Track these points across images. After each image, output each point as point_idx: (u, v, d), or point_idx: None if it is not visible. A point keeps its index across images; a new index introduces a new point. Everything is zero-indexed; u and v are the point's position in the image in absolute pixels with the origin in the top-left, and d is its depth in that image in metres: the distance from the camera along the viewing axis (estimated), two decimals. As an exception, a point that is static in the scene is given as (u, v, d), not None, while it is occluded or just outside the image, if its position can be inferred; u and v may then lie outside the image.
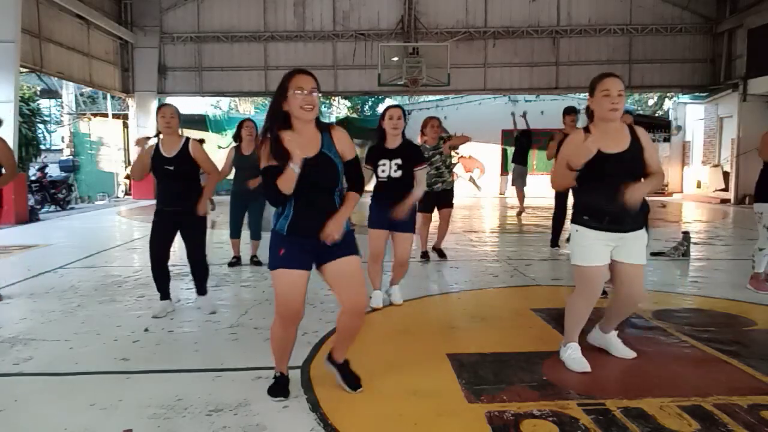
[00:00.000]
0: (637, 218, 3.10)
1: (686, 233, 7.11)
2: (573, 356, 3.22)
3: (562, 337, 3.78)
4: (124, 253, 7.53)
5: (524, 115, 12.93)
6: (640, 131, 3.13)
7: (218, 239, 8.44)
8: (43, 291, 5.18)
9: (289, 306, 2.73)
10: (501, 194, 19.33)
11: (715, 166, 17.07)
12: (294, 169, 2.55)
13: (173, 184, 4.26)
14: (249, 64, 17.38)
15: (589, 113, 3.14)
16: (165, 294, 4.53)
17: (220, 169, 6.46)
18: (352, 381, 2.94)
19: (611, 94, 2.97)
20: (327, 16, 17.08)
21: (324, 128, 2.74)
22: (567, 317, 3.31)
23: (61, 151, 17.98)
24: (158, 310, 4.44)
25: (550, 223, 7.56)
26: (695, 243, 7.49)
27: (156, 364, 3.38)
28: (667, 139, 19.06)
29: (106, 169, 17.98)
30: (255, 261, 6.50)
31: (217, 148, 19.24)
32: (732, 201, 15.56)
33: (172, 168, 4.19)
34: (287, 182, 2.58)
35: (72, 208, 14.31)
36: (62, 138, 18.56)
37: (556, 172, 3.26)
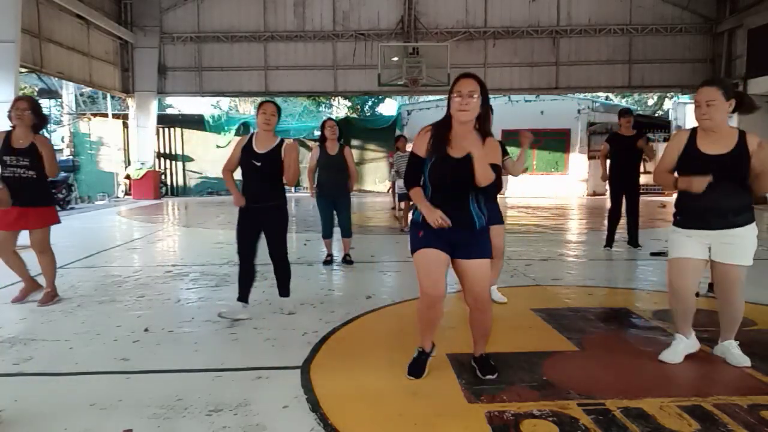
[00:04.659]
0: (726, 217, 3.09)
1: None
2: (671, 347, 3.33)
3: (562, 337, 3.80)
4: (124, 253, 7.52)
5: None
6: (750, 138, 3.10)
7: (215, 240, 8.45)
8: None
9: (430, 281, 2.90)
10: (501, 194, 19.35)
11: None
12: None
13: (259, 180, 4.20)
14: (249, 64, 17.39)
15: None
16: (244, 296, 4.28)
17: (306, 167, 6.46)
18: (486, 370, 3.07)
19: (701, 104, 3.04)
20: (327, 16, 17.08)
21: (483, 134, 2.90)
22: (671, 311, 3.46)
23: (61, 151, 17.97)
24: (229, 310, 4.23)
25: (549, 223, 7.56)
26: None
27: (156, 364, 3.38)
28: (667, 139, 19.07)
29: (106, 169, 17.99)
30: (348, 260, 6.42)
31: (216, 148, 19.28)
32: (732, 201, 15.56)
33: (260, 164, 4.16)
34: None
35: (72, 208, 14.30)
36: (62, 138, 18.56)
37: (656, 172, 3.34)
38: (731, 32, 16.04)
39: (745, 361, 3.22)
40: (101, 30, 15.62)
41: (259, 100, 28.49)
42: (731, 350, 3.29)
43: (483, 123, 2.89)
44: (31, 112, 4.48)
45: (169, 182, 19.71)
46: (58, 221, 4.79)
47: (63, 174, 14.94)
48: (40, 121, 4.60)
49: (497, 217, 4.58)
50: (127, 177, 17.69)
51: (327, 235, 6.38)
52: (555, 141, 19.83)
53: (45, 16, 13.09)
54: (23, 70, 12.36)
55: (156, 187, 17.48)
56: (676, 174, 3.25)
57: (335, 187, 6.18)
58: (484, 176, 2.78)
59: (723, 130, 3.11)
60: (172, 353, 3.55)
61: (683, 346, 3.33)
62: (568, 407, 2.71)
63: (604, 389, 2.93)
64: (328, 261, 6.40)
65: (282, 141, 4.28)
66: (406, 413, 2.68)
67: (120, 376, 3.17)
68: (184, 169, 19.95)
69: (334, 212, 6.34)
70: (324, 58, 17.31)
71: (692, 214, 3.19)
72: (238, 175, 4.25)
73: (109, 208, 14.90)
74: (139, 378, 3.14)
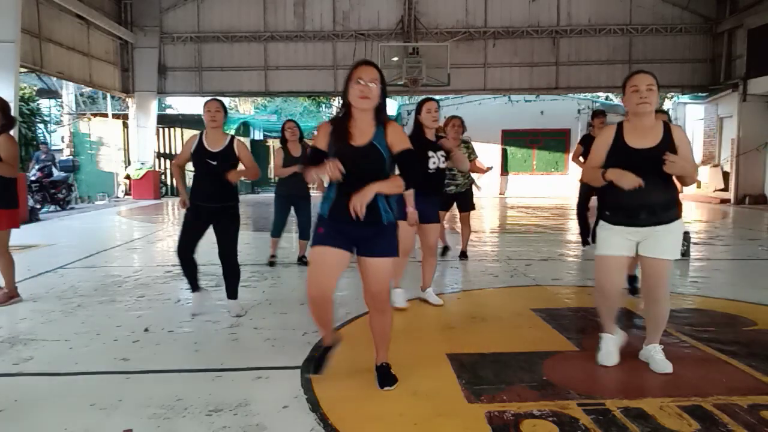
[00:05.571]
0: (655, 213, 3.06)
1: (686, 233, 7.09)
2: (602, 349, 3.28)
3: (562, 337, 3.80)
4: (124, 253, 7.52)
5: None
6: (676, 130, 3.09)
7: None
8: (43, 291, 5.17)
9: (316, 281, 2.82)
10: (501, 194, 19.37)
11: (715, 166, 17.08)
12: (323, 179, 2.79)
13: (212, 179, 4.16)
14: (249, 64, 17.39)
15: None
16: (195, 286, 4.40)
17: (273, 168, 6.50)
18: (383, 380, 2.97)
19: (640, 89, 3.01)
20: (327, 16, 17.08)
21: (381, 121, 2.83)
22: (597, 309, 3.42)
23: (61, 151, 17.97)
24: (194, 305, 4.38)
25: (549, 223, 7.57)
26: (695, 243, 7.48)
27: (156, 364, 3.38)
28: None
29: (106, 169, 17.99)
30: (304, 261, 6.35)
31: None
32: (732, 201, 15.56)
33: (215, 163, 4.13)
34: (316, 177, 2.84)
35: (72, 208, 14.31)
36: (62, 138, 18.57)
37: (586, 168, 3.30)
38: (731, 32, 16.05)
39: (667, 367, 3.14)
40: (101, 30, 15.62)
41: (260, 99, 28.58)
42: (654, 356, 3.21)
43: (380, 112, 2.81)
44: None
45: (169, 182, 19.71)
46: (13, 226, 4.62)
47: (63, 174, 14.97)
48: (7, 122, 4.48)
49: (433, 215, 4.52)
50: (127, 177, 17.70)
51: (276, 234, 6.34)
52: (555, 141, 19.85)
53: (45, 16, 13.10)
54: (23, 70, 12.36)
55: (156, 187, 17.49)
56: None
57: (295, 188, 6.12)
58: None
59: (650, 121, 3.08)
60: (172, 353, 3.55)
61: (612, 343, 3.31)
62: (568, 407, 2.71)
63: (604, 389, 2.94)
64: (272, 263, 6.32)
65: (233, 138, 4.28)
66: (406, 413, 2.68)
67: (120, 376, 3.17)
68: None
69: (289, 215, 6.32)
70: (324, 58, 17.31)
71: (622, 211, 3.14)
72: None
73: (109, 208, 14.90)
74: (139, 378, 3.14)
